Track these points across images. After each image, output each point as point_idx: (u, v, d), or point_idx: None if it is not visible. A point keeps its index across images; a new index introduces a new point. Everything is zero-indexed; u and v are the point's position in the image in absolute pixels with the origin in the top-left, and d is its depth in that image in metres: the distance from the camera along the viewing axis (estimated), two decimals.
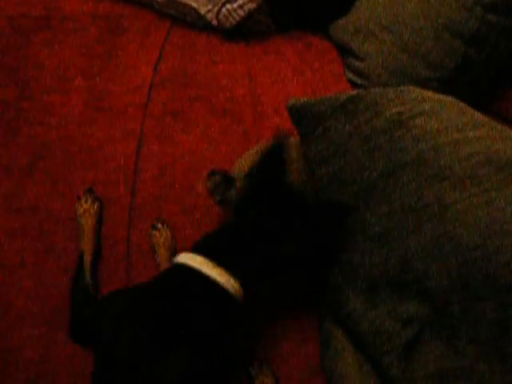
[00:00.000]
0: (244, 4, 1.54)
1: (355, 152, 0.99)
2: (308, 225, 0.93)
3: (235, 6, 1.54)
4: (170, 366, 0.81)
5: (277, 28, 1.63)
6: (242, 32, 1.59)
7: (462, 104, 1.02)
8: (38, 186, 1.21)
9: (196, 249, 0.91)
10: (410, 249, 0.91)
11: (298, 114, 1.11)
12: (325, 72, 1.54)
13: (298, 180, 1.10)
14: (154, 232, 1.15)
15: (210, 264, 0.87)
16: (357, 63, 1.53)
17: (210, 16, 1.55)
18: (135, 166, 1.27)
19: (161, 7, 1.59)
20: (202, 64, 1.50)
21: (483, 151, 0.90)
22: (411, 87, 1.03)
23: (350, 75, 1.55)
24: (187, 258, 0.89)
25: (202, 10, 1.56)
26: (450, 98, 1.02)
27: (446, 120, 0.95)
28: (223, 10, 1.55)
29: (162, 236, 1.14)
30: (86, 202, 1.16)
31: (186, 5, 1.56)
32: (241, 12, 1.55)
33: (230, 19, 1.55)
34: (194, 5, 1.55)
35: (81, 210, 1.15)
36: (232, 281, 0.87)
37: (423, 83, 1.38)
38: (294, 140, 1.16)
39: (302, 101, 1.10)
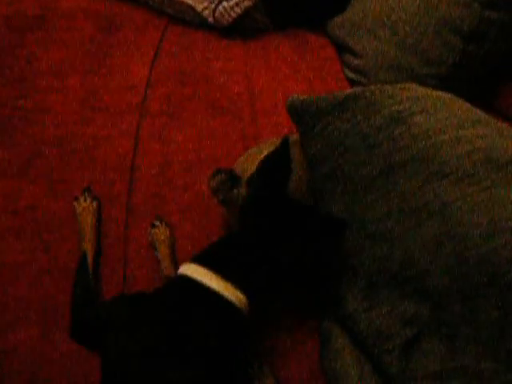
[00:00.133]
0: (240, 2, 1.54)
1: (354, 150, 0.99)
2: (310, 237, 0.92)
3: (231, 3, 1.54)
4: (174, 380, 0.81)
5: (274, 25, 1.64)
6: (239, 30, 1.59)
7: (461, 101, 1.01)
8: (34, 186, 1.20)
9: (200, 260, 0.90)
10: (409, 247, 0.90)
11: (297, 111, 1.10)
12: (322, 69, 1.54)
13: (297, 183, 1.09)
14: (154, 230, 1.14)
15: (215, 277, 0.86)
16: (354, 60, 1.53)
17: (206, 14, 1.55)
18: (132, 164, 1.27)
19: (157, 5, 1.58)
20: (198, 62, 1.50)
21: (483, 149, 0.89)
22: (410, 84, 1.03)
23: (348, 72, 1.55)
24: (191, 270, 0.88)
25: (199, 8, 1.55)
26: (449, 95, 1.02)
27: (445, 117, 0.94)
28: (220, 7, 1.54)
29: (161, 233, 1.13)
30: (84, 200, 1.16)
31: (182, 2, 1.55)
32: (237, 9, 1.54)
33: (227, 17, 1.55)
34: (191, 2, 1.55)
35: (80, 209, 1.14)
36: (237, 294, 0.86)
37: (421, 80, 1.38)
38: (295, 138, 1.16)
39: (300, 98, 1.10)
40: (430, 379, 0.86)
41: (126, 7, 1.58)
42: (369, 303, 0.95)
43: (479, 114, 0.99)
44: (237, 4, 1.54)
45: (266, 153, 1.04)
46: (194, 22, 1.58)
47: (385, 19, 1.46)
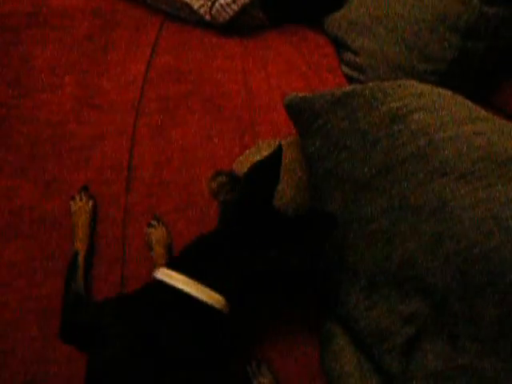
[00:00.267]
0: None
1: (353, 147, 0.98)
2: (291, 239, 0.91)
3: (228, 0, 1.53)
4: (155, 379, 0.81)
5: (271, 23, 1.63)
6: (236, 27, 1.58)
7: (460, 98, 1.01)
8: (30, 185, 1.19)
9: (173, 265, 0.90)
10: (409, 246, 0.90)
11: (295, 109, 1.10)
12: (320, 66, 1.54)
13: (290, 183, 1.08)
14: (150, 230, 1.14)
15: (188, 280, 0.86)
16: (352, 57, 1.53)
17: (202, 11, 1.55)
18: (129, 163, 1.26)
19: (153, 2, 1.57)
20: (195, 60, 1.49)
21: (483, 146, 0.89)
22: (408, 81, 1.02)
23: (346, 69, 1.54)
24: (165, 275, 0.88)
25: (195, 5, 1.55)
26: (447, 92, 1.01)
27: (444, 114, 0.94)
28: (216, 4, 1.54)
29: (157, 233, 1.13)
30: (80, 200, 1.15)
31: (178, 0, 1.54)
32: (234, 7, 1.54)
33: (224, 14, 1.54)
34: (187, 0, 1.54)
35: (75, 208, 1.14)
36: (212, 294, 0.86)
37: (420, 77, 1.38)
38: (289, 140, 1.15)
39: (299, 96, 1.09)
40: (431, 378, 0.86)
41: (122, 5, 1.57)
42: (369, 302, 0.94)
43: (478, 110, 0.98)
44: (234, 1, 1.53)
45: (264, 154, 1.04)
46: (191, 19, 1.58)
47: (382, 16, 1.46)
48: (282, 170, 1.06)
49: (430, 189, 0.89)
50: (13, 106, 1.31)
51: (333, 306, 1.02)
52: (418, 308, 0.89)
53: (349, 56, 1.53)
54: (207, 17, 1.55)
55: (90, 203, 1.16)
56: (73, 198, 1.16)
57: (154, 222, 1.15)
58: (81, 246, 1.08)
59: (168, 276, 0.87)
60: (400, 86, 1.00)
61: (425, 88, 1.00)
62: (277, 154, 0.97)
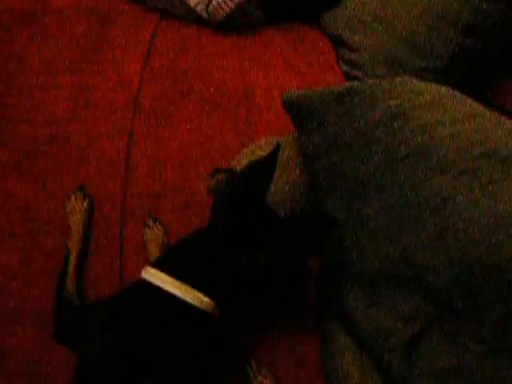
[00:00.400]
0: None
1: (352, 145, 0.98)
2: (283, 239, 0.91)
3: None
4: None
5: (268, 20, 1.63)
6: (233, 25, 1.58)
7: (459, 95, 1.01)
8: (26, 185, 1.19)
9: (160, 264, 0.90)
10: (410, 244, 0.89)
11: (293, 107, 1.10)
12: (318, 64, 1.53)
13: (288, 181, 1.08)
14: (147, 230, 1.14)
15: (173, 281, 0.86)
16: (350, 54, 1.52)
17: (199, 9, 1.54)
18: (126, 163, 1.26)
19: (149, 0, 1.57)
20: (192, 58, 1.49)
21: (483, 143, 0.89)
22: (407, 78, 1.02)
23: (344, 66, 1.54)
24: (151, 275, 0.88)
25: (192, 3, 1.54)
26: (446, 89, 1.01)
27: (444, 111, 0.94)
28: (213, 2, 1.53)
29: (153, 233, 1.13)
30: (75, 199, 1.15)
31: None
32: (231, 4, 1.53)
33: (220, 12, 1.53)
34: None
35: (70, 208, 1.14)
36: (197, 295, 0.86)
37: (418, 74, 1.37)
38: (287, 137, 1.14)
39: (297, 94, 1.09)
40: (433, 377, 0.86)
41: (118, 3, 1.56)
42: (370, 301, 0.94)
43: (478, 107, 0.98)
44: None
45: (263, 152, 1.04)
46: (187, 17, 1.57)
47: (380, 12, 1.45)
48: (280, 167, 1.07)
49: (431, 186, 0.88)
50: (8, 105, 1.31)
51: (333, 305, 1.02)
52: (420, 307, 0.89)
53: (346, 53, 1.53)
54: (204, 14, 1.54)
55: (86, 203, 1.15)
56: (68, 198, 1.16)
57: (150, 222, 1.15)
58: (73, 246, 1.08)
59: (154, 276, 0.87)
60: (399, 83, 0.99)
61: (424, 85, 1.00)
62: (273, 154, 0.96)
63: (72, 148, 1.26)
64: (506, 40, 1.39)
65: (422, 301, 0.89)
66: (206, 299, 0.87)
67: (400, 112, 0.95)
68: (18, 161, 1.22)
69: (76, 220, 1.12)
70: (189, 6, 1.54)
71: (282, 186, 1.08)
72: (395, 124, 0.94)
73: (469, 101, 0.99)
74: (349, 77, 1.52)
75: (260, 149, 1.12)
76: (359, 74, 1.49)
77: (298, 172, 1.10)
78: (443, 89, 1.00)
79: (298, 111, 1.08)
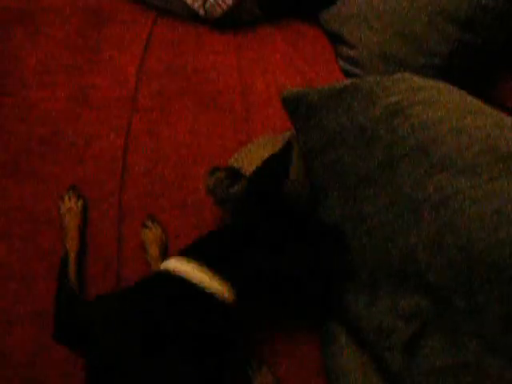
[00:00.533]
0: None
1: (352, 142, 0.97)
2: (305, 243, 0.92)
3: None
4: (159, 372, 0.80)
5: (266, 17, 1.62)
6: (230, 22, 1.57)
7: (459, 91, 1.00)
8: (22, 186, 1.18)
9: (185, 253, 0.91)
10: (410, 241, 0.89)
11: (293, 104, 1.09)
12: (316, 61, 1.53)
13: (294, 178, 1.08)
14: (145, 230, 1.13)
15: (197, 268, 0.86)
16: (348, 51, 1.52)
17: (196, 6, 1.54)
18: (123, 162, 1.25)
19: None
20: (189, 56, 1.48)
21: (484, 140, 0.88)
22: (407, 74, 1.01)
23: (342, 63, 1.54)
24: (173, 262, 0.89)
25: (188, 0, 1.53)
26: (447, 85, 1.01)
27: (444, 108, 0.93)
28: None
29: (152, 234, 1.12)
30: (69, 200, 1.14)
31: None
32: (228, 1, 1.53)
33: (217, 9, 1.53)
34: None
35: (64, 209, 1.13)
36: (222, 285, 0.87)
37: (417, 70, 1.36)
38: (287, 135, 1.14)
39: (296, 91, 1.08)
40: (433, 375, 0.85)
41: (114, 0, 1.56)
42: (370, 300, 0.94)
43: (478, 104, 0.98)
44: None
45: (261, 150, 1.05)
46: (184, 14, 1.56)
47: (379, 9, 1.45)
48: None
49: (431, 183, 0.87)
50: (3, 104, 1.30)
51: (333, 304, 1.02)
52: (420, 305, 0.88)
53: (345, 50, 1.53)
54: (201, 12, 1.54)
55: (79, 203, 1.14)
56: (61, 198, 1.15)
57: (148, 223, 1.14)
58: (71, 246, 1.07)
59: (180, 263, 0.87)
60: (398, 79, 0.99)
61: (424, 81, 0.99)
62: (286, 150, 0.97)
63: (69, 147, 1.25)
64: (505, 36, 1.38)
65: (422, 299, 0.88)
66: (229, 291, 0.87)
67: (400, 109, 0.94)
68: (15, 160, 1.21)
69: (72, 221, 1.11)
70: (185, 3, 1.53)
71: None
72: (395, 121, 0.94)
73: (469, 97, 0.99)
74: (347, 74, 1.52)
75: (259, 146, 1.12)
76: (358, 71, 1.49)
77: (296, 170, 1.09)
78: (443, 85, 1.00)
79: (297, 109, 1.08)
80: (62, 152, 1.24)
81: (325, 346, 1.01)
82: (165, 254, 1.10)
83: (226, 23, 1.56)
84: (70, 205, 1.13)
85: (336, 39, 1.57)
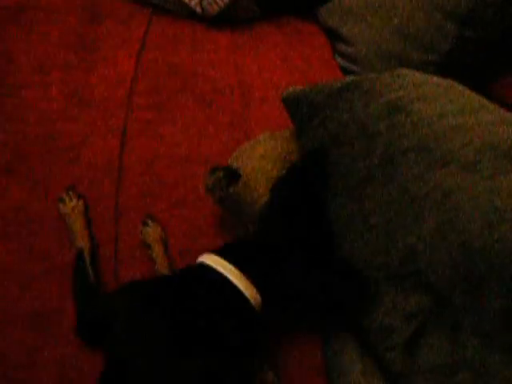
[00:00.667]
0: None
1: (353, 140, 0.97)
2: (333, 276, 0.94)
3: None
4: (185, 368, 0.81)
5: (263, 14, 1.62)
6: (227, 19, 1.57)
7: (460, 87, 1.00)
8: (18, 186, 1.17)
9: (221, 252, 0.92)
10: (411, 239, 0.88)
11: (294, 105, 1.09)
12: (314, 58, 1.53)
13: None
14: (146, 229, 1.12)
15: (236, 271, 0.88)
16: (346, 48, 1.52)
17: (193, 3, 1.53)
18: (120, 161, 1.24)
19: None
20: (186, 54, 1.47)
21: (485, 136, 0.88)
22: (407, 70, 1.01)
23: (340, 61, 1.54)
24: (213, 260, 0.90)
25: None
26: (447, 81, 1.00)
27: (445, 104, 0.93)
28: None
29: (154, 232, 1.12)
30: (70, 200, 1.13)
31: None
32: None
33: (214, 6, 1.53)
34: None
35: (67, 210, 1.12)
36: (254, 292, 0.88)
37: (416, 67, 1.34)
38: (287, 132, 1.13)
39: (296, 91, 1.08)
40: (434, 374, 0.85)
41: None
42: (371, 299, 0.93)
43: (479, 100, 0.97)
44: None
45: (260, 148, 1.05)
46: (181, 12, 1.56)
47: (377, 5, 1.44)
48: (280, 161, 1.06)
49: (432, 180, 0.87)
50: None
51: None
52: (420, 303, 0.88)
53: (343, 47, 1.52)
54: (197, 9, 1.53)
55: (81, 202, 1.14)
56: (61, 200, 1.14)
57: (149, 222, 1.13)
58: (84, 244, 1.07)
59: (217, 262, 0.89)
60: (399, 75, 0.98)
61: (425, 77, 0.99)
62: (317, 153, 1.00)
63: (64, 147, 1.25)
64: (505, 32, 1.38)
65: (422, 298, 0.87)
66: (259, 297, 0.88)
67: (401, 105, 0.94)
68: (10, 161, 1.20)
69: (77, 220, 1.10)
70: (182, 0, 1.53)
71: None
72: (396, 117, 0.93)
73: (470, 93, 0.99)
74: (345, 71, 1.51)
75: (259, 144, 1.11)
76: (356, 68, 1.49)
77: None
78: (444, 81, 1.00)
79: (299, 109, 1.07)
80: (57, 152, 1.23)
81: (326, 346, 1.01)
82: (167, 251, 1.10)
83: (223, 21, 1.56)
84: (73, 204, 1.13)
85: (334, 36, 1.56)
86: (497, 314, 0.79)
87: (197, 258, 1.09)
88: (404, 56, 1.40)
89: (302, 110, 1.06)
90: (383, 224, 0.92)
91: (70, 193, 1.14)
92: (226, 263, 0.89)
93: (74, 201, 1.13)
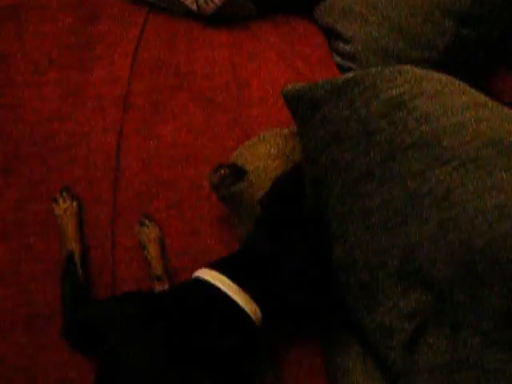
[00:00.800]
0: None
1: (354, 137, 0.96)
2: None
3: None
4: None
5: (259, 12, 1.61)
6: (224, 17, 1.56)
7: (461, 83, 1.00)
8: (14, 187, 1.16)
9: (219, 267, 0.91)
10: (412, 237, 0.88)
11: (295, 102, 1.08)
12: (311, 56, 1.51)
13: None
14: (143, 229, 1.12)
15: (234, 286, 0.87)
16: (343, 46, 1.51)
17: (189, 2, 1.53)
18: (116, 161, 1.24)
19: None
20: (182, 52, 1.47)
21: (486, 132, 0.87)
22: (409, 66, 1.01)
23: (337, 59, 1.53)
24: (211, 276, 0.89)
25: None
26: (448, 77, 1.00)
27: (447, 100, 0.92)
28: None
29: (151, 232, 1.11)
30: (64, 201, 1.13)
31: None
32: None
33: (211, 4, 1.52)
34: None
35: (60, 211, 1.11)
36: (254, 307, 0.88)
37: (414, 65, 1.35)
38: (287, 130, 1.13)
39: (297, 88, 1.07)
40: (434, 373, 0.84)
41: None
42: (371, 299, 0.93)
43: (480, 96, 0.97)
44: None
45: (264, 145, 1.05)
46: (177, 10, 1.55)
47: (374, 3, 1.43)
48: (284, 159, 1.07)
49: (433, 177, 0.87)
50: None
51: (334, 304, 1.00)
52: (420, 302, 0.88)
53: (340, 45, 1.51)
54: (194, 7, 1.52)
55: (75, 204, 1.13)
56: (55, 200, 1.13)
57: (145, 221, 1.13)
58: (75, 247, 1.06)
59: (216, 278, 0.88)
60: (400, 71, 0.98)
61: (425, 73, 0.99)
62: (297, 168, 0.99)
63: (60, 147, 1.24)
64: (502, 29, 1.38)
65: (423, 295, 0.87)
66: (257, 310, 0.88)
67: (402, 101, 0.93)
68: (5, 161, 1.20)
69: (69, 222, 1.09)
70: None
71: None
72: (397, 114, 0.93)
73: (471, 90, 0.98)
74: (343, 69, 1.50)
75: (262, 142, 1.11)
76: (353, 66, 1.48)
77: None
78: (445, 77, 0.99)
79: (301, 106, 1.07)
80: (53, 152, 1.23)
81: (326, 346, 1.00)
82: (163, 253, 1.09)
83: (220, 19, 1.55)
84: (66, 205, 1.12)
85: (331, 34, 1.55)
86: (497, 313, 0.78)
87: (195, 258, 1.10)
88: (402, 54, 1.40)
89: (302, 106, 1.06)
90: (383, 222, 0.92)
91: (64, 194, 1.14)
92: (224, 278, 0.88)
93: (68, 202, 1.12)
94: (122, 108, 1.33)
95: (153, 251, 1.08)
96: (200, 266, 0.95)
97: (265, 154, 1.07)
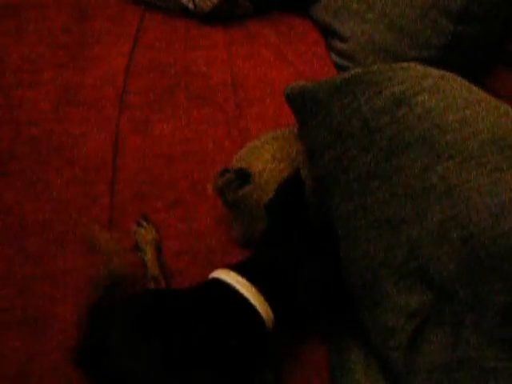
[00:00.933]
0: None
1: (356, 135, 0.96)
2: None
3: None
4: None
5: (256, 11, 1.61)
6: (220, 16, 1.56)
7: (463, 80, 0.99)
8: (10, 188, 1.15)
9: (238, 269, 0.91)
10: (414, 234, 0.87)
11: (298, 101, 1.07)
12: (308, 55, 1.52)
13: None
14: (140, 230, 1.11)
15: (251, 288, 0.88)
16: (340, 44, 1.51)
17: (185, 0, 1.52)
18: (113, 161, 1.23)
19: None
20: (179, 51, 1.47)
21: (489, 130, 0.87)
22: (409, 63, 1.00)
23: (335, 57, 1.53)
24: (229, 277, 0.89)
25: None
26: (450, 74, 1.00)
27: (448, 97, 0.92)
28: None
29: (147, 233, 1.10)
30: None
31: None
32: None
33: (208, 3, 1.52)
34: None
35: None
36: (269, 311, 0.88)
37: None
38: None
39: (299, 86, 1.07)
40: (435, 372, 0.84)
41: None
42: (373, 300, 0.92)
43: (482, 93, 0.97)
44: None
45: (268, 149, 1.05)
46: (173, 9, 1.55)
47: (371, 1, 1.43)
48: (290, 162, 1.06)
49: (435, 174, 0.86)
50: None
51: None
52: (422, 301, 0.87)
53: (338, 43, 1.52)
54: (190, 6, 1.52)
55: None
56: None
57: (143, 222, 1.12)
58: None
59: (233, 279, 0.89)
60: (402, 68, 0.98)
61: (427, 70, 0.98)
62: (296, 176, 0.99)
63: (56, 148, 1.23)
64: (500, 28, 1.38)
65: (424, 294, 0.87)
66: (272, 315, 0.88)
67: (404, 98, 0.93)
68: (2, 163, 1.19)
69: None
70: None
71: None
72: (399, 111, 0.92)
73: (473, 87, 0.98)
74: (340, 67, 1.51)
75: (265, 145, 1.10)
76: (351, 65, 1.48)
77: (301, 165, 1.08)
78: (446, 74, 0.99)
79: (304, 105, 1.06)
80: (49, 153, 1.22)
81: (329, 346, 1.00)
82: (160, 254, 1.09)
83: (216, 17, 1.55)
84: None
85: (328, 32, 1.56)
86: (499, 310, 0.78)
87: (194, 259, 1.09)
88: (399, 52, 1.40)
89: (305, 105, 1.05)
90: (386, 219, 0.91)
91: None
92: (243, 280, 0.88)
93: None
94: (119, 107, 1.32)
95: (149, 253, 1.07)
96: (199, 266, 0.94)
97: (271, 158, 1.06)
